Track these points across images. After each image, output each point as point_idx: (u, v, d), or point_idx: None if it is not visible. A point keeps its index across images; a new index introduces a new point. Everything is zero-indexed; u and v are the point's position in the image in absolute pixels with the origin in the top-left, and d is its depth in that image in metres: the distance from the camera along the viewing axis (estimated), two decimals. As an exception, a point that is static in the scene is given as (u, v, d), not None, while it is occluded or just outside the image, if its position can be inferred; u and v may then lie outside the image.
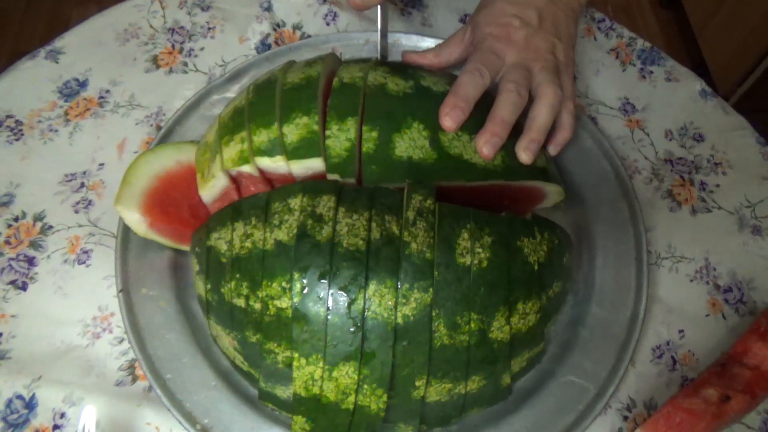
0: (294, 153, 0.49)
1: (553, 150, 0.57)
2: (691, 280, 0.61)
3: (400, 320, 0.42)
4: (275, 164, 0.50)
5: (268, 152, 0.49)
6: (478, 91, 0.52)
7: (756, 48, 1.43)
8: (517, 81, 0.52)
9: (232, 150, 0.51)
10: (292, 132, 0.49)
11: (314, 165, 0.49)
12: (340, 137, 0.49)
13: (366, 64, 0.54)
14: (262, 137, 0.49)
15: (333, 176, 0.49)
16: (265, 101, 0.51)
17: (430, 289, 0.42)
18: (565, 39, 0.57)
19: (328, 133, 0.49)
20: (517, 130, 0.53)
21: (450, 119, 0.49)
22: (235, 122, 0.52)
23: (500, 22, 0.55)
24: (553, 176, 0.54)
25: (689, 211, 0.64)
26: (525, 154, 0.51)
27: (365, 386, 0.44)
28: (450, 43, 0.60)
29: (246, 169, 0.50)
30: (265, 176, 0.51)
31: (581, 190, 0.60)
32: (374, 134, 0.49)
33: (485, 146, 0.49)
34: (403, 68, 0.55)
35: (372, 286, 0.42)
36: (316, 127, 0.49)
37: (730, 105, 0.71)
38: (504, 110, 0.51)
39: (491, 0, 0.57)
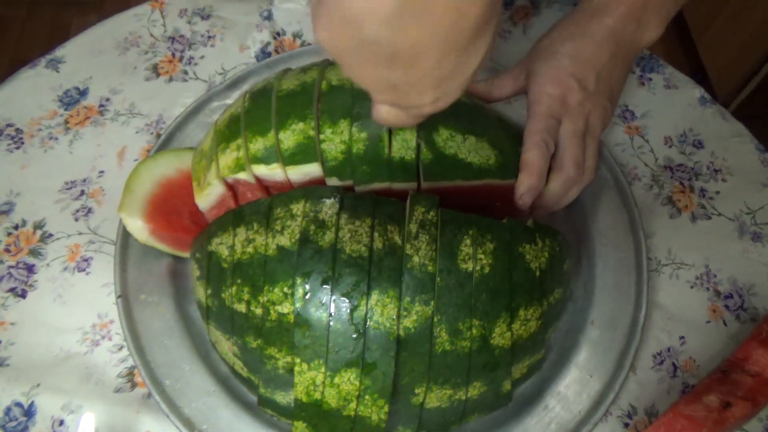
0: (290, 159, 0.49)
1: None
2: (692, 287, 0.61)
3: (401, 332, 0.42)
4: (271, 172, 0.50)
5: (264, 160, 0.49)
6: (547, 162, 0.52)
7: (755, 54, 1.43)
8: (577, 157, 0.53)
9: (228, 157, 0.51)
10: (288, 138, 0.49)
11: (311, 170, 0.49)
12: (335, 140, 0.49)
13: None
14: (258, 145, 0.49)
15: (331, 180, 0.49)
16: (261, 108, 0.51)
17: (432, 302, 0.42)
18: (615, 99, 0.56)
19: (322, 137, 0.49)
20: (516, 131, 0.53)
21: (526, 199, 0.51)
22: (231, 130, 0.52)
23: (558, 83, 0.54)
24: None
25: (689, 218, 0.64)
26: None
27: (366, 396, 0.43)
28: (502, 80, 0.59)
29: (242, 176, 0.50)
30: (261, 183, 0.51)
31: (581, 197, 0.60)
32: (363, 135, 0.49)
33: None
34: None
35: (374, 296, 0.42)
36: (312, 133, 0.49)
37: (730, 111, 0.71)
38: (557, 188, 0.53)
39: (553, 52, 0.55)
